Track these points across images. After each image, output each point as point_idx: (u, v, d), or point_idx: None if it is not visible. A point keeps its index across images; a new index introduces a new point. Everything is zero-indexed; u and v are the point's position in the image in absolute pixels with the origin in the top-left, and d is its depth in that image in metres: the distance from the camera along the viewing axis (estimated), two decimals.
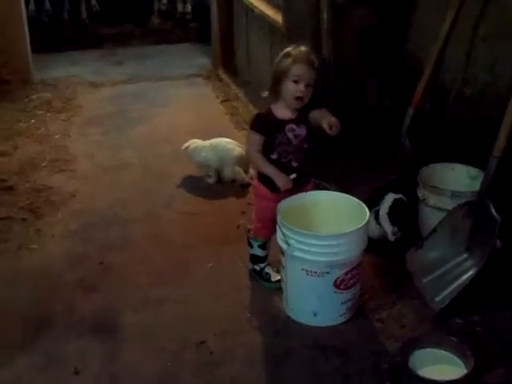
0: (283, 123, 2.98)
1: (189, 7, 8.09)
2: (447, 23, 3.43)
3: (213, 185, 4.28)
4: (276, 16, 4.75)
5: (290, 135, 2.98)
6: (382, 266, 3.33)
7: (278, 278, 3.16)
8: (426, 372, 2.56)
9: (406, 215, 3.49)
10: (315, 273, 2.82)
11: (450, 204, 3.32)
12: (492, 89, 3.27)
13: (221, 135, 4.51)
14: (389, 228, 3.42)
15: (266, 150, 2.99)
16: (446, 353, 2.68)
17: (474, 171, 3.50)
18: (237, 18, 6.13)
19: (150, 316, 3.02)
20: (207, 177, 4.31)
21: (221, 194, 4.17)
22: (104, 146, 4.93)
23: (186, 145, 4.31)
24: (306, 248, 2.77)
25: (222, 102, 5.82)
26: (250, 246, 3.22)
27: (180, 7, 8.14)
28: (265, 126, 2.97)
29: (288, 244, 2.80)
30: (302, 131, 3.00)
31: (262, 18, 5.14)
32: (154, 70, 6.84)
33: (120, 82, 6.50)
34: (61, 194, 4.15)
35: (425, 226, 3.48)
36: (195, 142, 4.32)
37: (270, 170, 2.97)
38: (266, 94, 3.05)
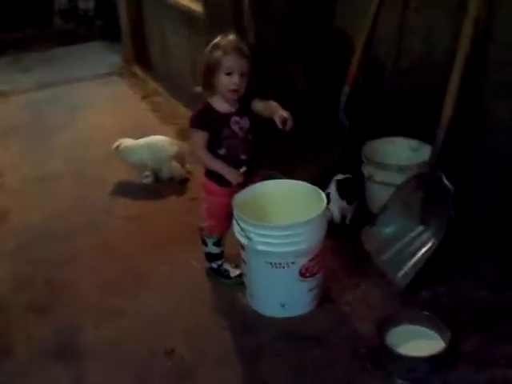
0: (227, 117, 2.88)
1: (91, 4, 7.85)
2: None
3: (150, 185, 4.15)
4: (193, 4, 4.64)
5: (236, 128, 2.90)
6: (340, 249, 3.29)
7: (238, 273, 3.09)
8: (404, 349, 2.56)
9: (355, 193, 3.48)
10: (280, 264, 2.75)
11: (397, 178, 3.31)
12: (429, 59, 3.26)
13: (148, 133, 4.38)
14: (335, 210, 3.39)
15: (211, 146, 2.89)
16: (421, 328, 2.69)
17: (414, 143, 3.52)
18: (147, 10, 5.96)
19: (112, 330, 2.89)
20: (143, 177, 4.17)
21: (160, 194, 4.04)
22: (29, 157, 4.70)
23: (117, 144, 4.14)
24: (269, 241, 2.70)
25: (142, 98, 5.67)
26: (205, 244, 3.12)
27: (82, 4, 7.89)
28: (208, 121, 2.87)
29: (249, 238, 2.72)
30: (246, 123, 2.92)
31: (176, 7, 5.01)
32: (65, 72, 6.57)
33: (31, 89, 6.19)
34: None
35: (374, 203, 3.48)
36: (126, 142, 4.16)
37: (219, 166, 2.88)
38: (199, 89, 2.92)
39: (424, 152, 3.42)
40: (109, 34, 7.34)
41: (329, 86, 4.15)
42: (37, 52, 7.30)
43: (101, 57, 6.97)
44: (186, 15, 4.95)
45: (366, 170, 3.47)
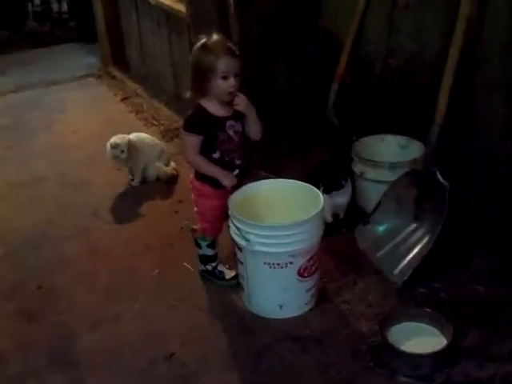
0: (223, 120, 2.84)
1: (65, 6, 7.76)
2: None
3: (137, 187, 4.08)
4: (174, 4, 4.59)
5: (231, 132, 2.85)
6: (334, 248, 3.27)
7: (233, 274, 3.06)
8: (407, 346, 2.55)
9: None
10: (278, 265, 2.72)
11: (389, 176, 3.31)
12: (419, 57, 3.25)
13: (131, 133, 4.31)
14: (327, 210, 3.36)
15: (205, 151, 2.84)
16: (422, 325, 2.68)
17: (403, 140, 3.52)
18: (124, 10, 5.88)
19: (109, 336, 2.84)
20: (130, 180, 4.11)
21: (148, 196, 3.98)
22: (11, 162, 4.61)
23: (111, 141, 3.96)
24: (268, 241, 2.67)
25: (121, 100, 5.58)
26: (198, 246, 3.08)
27: (55, 7, 7.80)
28: (203, 125, 2.81)
29: (247, 240, 2.69)
30: (240, 127, 2.89)
31: (156, 7, 4.95)
32: (40, 75, 6.44)
33: (7, 92, 6.06)
34: None
35: (366, 201, 3.47)
36: (116, 139, 3.98)
37: (214, 170, 2.84)
38: (188, 94, 2.85)
39: (413, 149, 3.44)
40: (83, 35, 7.27)
41: (311, 84, 4.15)
42: (10, 54, 7.17)
43: (77, 59, 6.85)
44: (166, 15, 4.90)
45: (357, 168, 3.45)
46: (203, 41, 2.78)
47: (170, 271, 3.22)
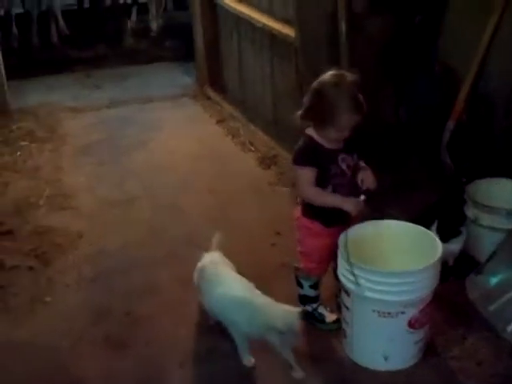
0: (334, 153, 2.67)
1: (161, 24, 7.82)
2: (489, 29, 3.19)
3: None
4: (280, 27, 4.46)
5: (344, 166, 2.69)
6: (441, 296, 3.02)
7: (334, 318, 2.88)
8: None
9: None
10: (389, 314, 2.53)
11: (505, 223, 3.10)
12: None
13: (227, 159, 4.20)
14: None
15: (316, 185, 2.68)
16: None
17: None
18: (225, 32, 5.81)
19: (199, 372, 2.70)
20: None
21: (246, 226, 3.81)
22: (103, 178, 4.54)
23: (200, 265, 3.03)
24: (380, 288, 2.48)
25: (217, 122, 5.47)
26: (300, 286, 2.91)
27: (153, 25, 7.85)
28: (315, 157, 2.65)
29: (358, 284, 2.50)
30: (351, 160, 2.72)
31: (259, 29, 4.84)
32: (135, 91, 6.41)
33: (102, 107, 6.04)
34: (66, 236, 3.76)
35: (479, 249, 3.23)
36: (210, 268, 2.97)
37: (334, 198, 2.66)
38: (298, 115, 2.69)
39: None
40: (179, 54, 7.25)
41: (417, 120, 3.95)
42: (107, 69, 7.17)
43: (172, 78, 6.79)
44: (270, 38, 4.78)
45: (471, 213, 3.23)
46: (336, 78, 2.61)
47: None
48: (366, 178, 2.66)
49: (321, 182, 2.67)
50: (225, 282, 2.80)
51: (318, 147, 2.66)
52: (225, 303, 2.71)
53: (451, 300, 3.04)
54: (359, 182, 2.66)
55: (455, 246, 3.14)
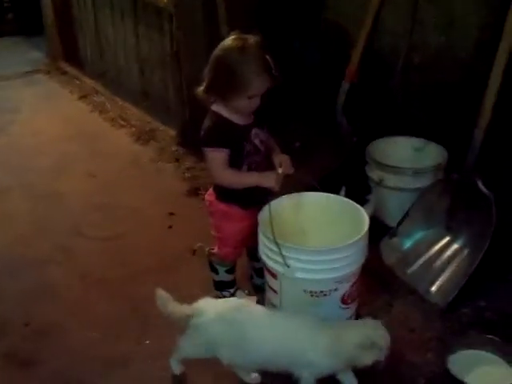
0: (246, 129, 2.45)
1: None
2: None
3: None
4: None
5: (257, 142, 2.48)
6: None
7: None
8: (471, 379, 2.26)
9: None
10: (321, 292, 2.38)
11: (412, 183, 3.04)
12: (448, 53, 2.96)
13: (99, 138, 3.86)
14: None
15: (230, 165, 2.45)
16: (482, 353, 2.41)
17: (418, 142, 3.25)
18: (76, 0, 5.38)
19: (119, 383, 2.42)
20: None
21: (136, 208, 3.54)
22: None
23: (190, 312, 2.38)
24: (312, 267, 2.31)
25: (79, 98, 5.08)
26: (215, 271, 2.71)
27: None
28: (226, 136, 2.40)
29: (287, 265, 2.32)
30: (264, 135, 2.51)
31: None
32: None
33: None
34: None
35: (385, 211, 3.16)
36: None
37: (253, 177, 2.44)
38: (201, 90, 2.42)
39: (429, 151, 3.19)
40: (23, 28, 6.68)
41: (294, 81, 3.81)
42: None
43: (20, 53, 6.22)
44: (132, 3, 4.44)
45: (376, 174, 3.14)
46: (240, 42, 2.34)
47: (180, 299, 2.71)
48: (285, 162, 2.46)
49: (234, 163, 2.43)
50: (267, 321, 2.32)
51: (228, 124, 2.42)
52: (288, 344, 2.24)
53: (368, 267, 2.92)
54: (277, 165, 2.45)
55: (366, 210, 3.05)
